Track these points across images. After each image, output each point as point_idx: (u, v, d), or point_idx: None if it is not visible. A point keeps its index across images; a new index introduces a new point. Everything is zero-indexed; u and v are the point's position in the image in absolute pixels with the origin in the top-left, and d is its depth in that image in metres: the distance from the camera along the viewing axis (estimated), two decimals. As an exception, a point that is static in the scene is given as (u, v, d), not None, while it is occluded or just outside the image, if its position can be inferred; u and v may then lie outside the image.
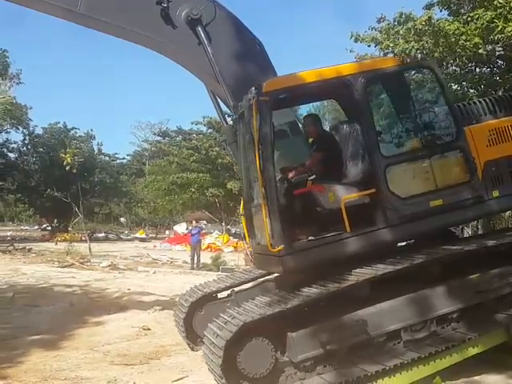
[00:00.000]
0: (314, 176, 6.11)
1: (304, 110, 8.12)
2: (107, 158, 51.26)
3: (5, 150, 40.72)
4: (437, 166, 5.96)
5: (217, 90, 6.94)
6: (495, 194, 6.12)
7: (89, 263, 19.87)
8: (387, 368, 5.03)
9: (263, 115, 5.69)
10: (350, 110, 6.82)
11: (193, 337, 6.80)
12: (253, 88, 5.79)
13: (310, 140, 6.89)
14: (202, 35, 6.63)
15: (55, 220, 40.03)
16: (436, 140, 6.22)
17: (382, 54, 16.70)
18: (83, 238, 29.48)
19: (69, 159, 24.66)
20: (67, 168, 24.72)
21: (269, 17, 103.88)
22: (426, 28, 11.50)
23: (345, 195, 5.74)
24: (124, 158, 61.33)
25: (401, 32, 14.10)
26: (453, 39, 11.79)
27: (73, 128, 43.91)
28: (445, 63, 15.74)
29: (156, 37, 6.83)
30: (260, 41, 7.06)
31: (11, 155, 41.66)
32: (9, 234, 42.89)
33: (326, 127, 7.41)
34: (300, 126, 7.36)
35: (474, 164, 6.06)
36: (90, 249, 22.69)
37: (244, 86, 6.11)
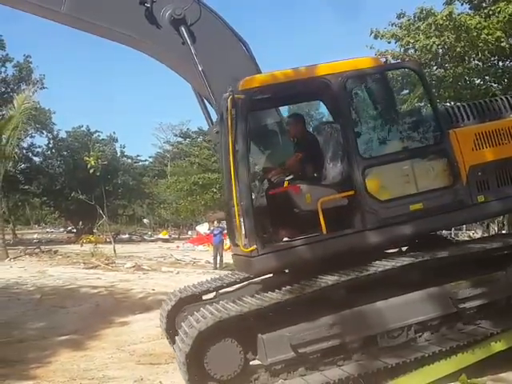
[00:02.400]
0: (291, 176, 6.04)
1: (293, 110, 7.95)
2: (129, 161, 51.88)
3: (30, 155, 41.55)
4: (418, 169, 5.80)
5: (202, 91, 6.89)
6: (480, 199, 5.91)
7: (114, 264, 20.12)
8: (408, 361, 4.99)
9: (238, 114, 5.60)
10: (332, 110, 6.70)
11: (173, 332, 6.47)
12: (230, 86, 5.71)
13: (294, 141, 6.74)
14: (186, 35, 6.58)
15: (80, 222, 40.64)
16: (418, 142, 6.09)
17: (402, 51, 16.64)
18: (107, 240, 29.88)
19: (93, 162, 24.99)
20: (91, 171, 25.08)
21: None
22: (447, 23, 11.40)
23: (321, 196, 5.62)
24: (146, 160, 61.94)
25: (421, 28, 13.99)
26: (474, 33, 11.65)
27: (96, 131, 44.66)
28: (467, 58, 15.56)
29: (140, 37, 6.81)
30: (246, 42, 7.00)
31: (36, 159, 42.55)
32: (35, 236, 43.76)
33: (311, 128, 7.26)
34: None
35: (458, 168, 5.85)
36: (114, 250, 22.96)
37: (228, 87, 6.02)
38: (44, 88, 38.11)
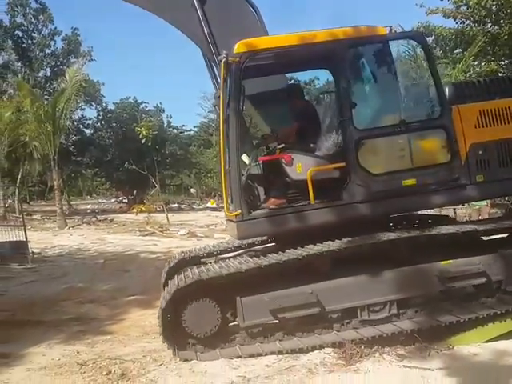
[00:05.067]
0: (282, 145, 5.97)
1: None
2: (175, 131, 52.47)
3: (81, 127, 42.52)
4: (414, 144, 5.63)
5: (209, 55, 6.80)
6: (479, 178, 5.71)
7: (168, 231, 20.72)
8: (480, 317, 5.12)
9: (231, 77, 5.50)
10: (334, 79, 6.48)
11: None
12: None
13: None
14: None
15: (135, 192, 41.65)
16: (416, 116, 5.86)
17: (454, 8, 15.95)
18: (158, 209, 30.62)
19: (144, 132, 25.42)
20: (143, 141, 25.59)
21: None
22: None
23: (312, 166, 5.56)
24: (191, 130, 62.45)
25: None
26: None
27: (142, 102, 45.18)
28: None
29: None
30: (257, 7, 6.87)
31: (87, 131, 43.49)
32: (88, 207, 45.32)
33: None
34: None
35: (457, 145, 5.64)
36: (167, 218, 23.59)
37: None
38: (92, 60, 38.96)
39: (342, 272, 5.33)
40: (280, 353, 5.05)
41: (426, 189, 5.62)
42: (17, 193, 30.68)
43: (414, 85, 6.35)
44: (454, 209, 14.36)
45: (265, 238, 6.86)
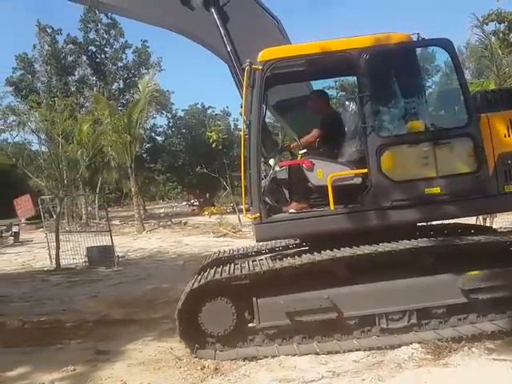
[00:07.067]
0: (304, 150, 5.97)
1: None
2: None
3: (153, 135, 44.08)
4: (439, 152, 5.47)
5: (235, 71, 6.79)
6: (508, 189, 5.50)
7: (241, 232, 21.12)
8: None
9: (255, 84, 5.57)
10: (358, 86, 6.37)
11: None
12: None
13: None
14: (216, 16, 6.59)
15: (207, 194, 42.69)
16: (442, 124, 5.72)
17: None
18: (228, 211, 31.22)
19: (214, 136, 26.20)
20: (213, 145, 26.31)
21: None
22: None
23: (333, 172, 5.53)
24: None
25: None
26: None
27: (209, 107, 46.12)
28: None
29: (175, 19, 6.94)
30: (278, 19, 6.85)
31: (158, 138, 44.99)
32: (161, 211, 46.80)
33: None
34: None
35: (485, 154, 5.43)
36: (239, 219, 24.01)
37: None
38: (162, 70, 40.34)
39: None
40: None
41: (450, 198, 5.52)
42: (96, 200, 32.39)
43: (441, 92, 6.24)
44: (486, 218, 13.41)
45: (297, 240, 6.96)
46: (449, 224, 6.96)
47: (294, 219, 5.68)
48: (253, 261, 6.08)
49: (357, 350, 5.09)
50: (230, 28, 6.63)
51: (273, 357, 5.17)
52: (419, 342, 5.05)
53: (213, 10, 6.65)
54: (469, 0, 56.96)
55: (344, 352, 5.11)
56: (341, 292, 5.28)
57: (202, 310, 5.36)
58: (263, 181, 5.85)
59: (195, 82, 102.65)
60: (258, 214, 5.60)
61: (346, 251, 5.28)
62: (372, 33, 5.82)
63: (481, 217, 11.14)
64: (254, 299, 5.32)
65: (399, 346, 5.08)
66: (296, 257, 5.50)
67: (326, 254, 5.31)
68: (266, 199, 5.81)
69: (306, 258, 5.33)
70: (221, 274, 5.43)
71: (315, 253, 5.42)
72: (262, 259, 6.21)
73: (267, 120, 7.58)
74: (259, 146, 5.68)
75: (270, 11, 6.91)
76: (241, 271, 5.42)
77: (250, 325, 5.52)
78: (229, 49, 6.59)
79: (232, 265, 5.83)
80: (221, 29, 6.63)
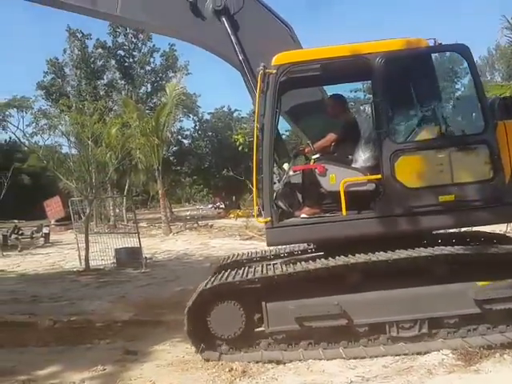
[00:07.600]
0: (317, 155, 5.92)
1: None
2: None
3: (179, 138, 44.46)
4: (454, 159, 5.36)
5: (247, 79, 6.70)
6: None
7: (266, 235, 21.08)
8: None
9: (268, 88, 5.54)
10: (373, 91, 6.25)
11: None
12: None
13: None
14: (227, 25, 6.55)
15: (233, 197, 42.88)
16: (457, 131, 5.61)
17: None
18: (252, 214, 31.20)
19: (241, 139, 26.32)
20: (240, 148, 26.42)
21: None
22: None
23: (346, 178, 5.47)
24: (283, 134, 62.70)
25: None
26: None
27: (235, 110, 46.30)
28: None
29: (187, 30, 6.96)
30: (290, 26, 6.76)
31: (185, 141, 45.35)
32: (187, 213, 47.21)
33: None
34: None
35: (501, 162, 5.29)
36: (265, 222, 24.02)
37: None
38: (189, 74, 40.69)
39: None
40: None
41: (464, 206, 5.42)
42: (124, 202, 32.84)
43: (457, 98, 6.15)
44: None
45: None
46: (464, 232, 6.94)
47: (305, 224, 5.68)
48: (262, 265, 6.08)
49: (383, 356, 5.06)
50: (241, 36, 6.65)
51: (299, 360, 5.16)
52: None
53: (224, 18, 6.66)
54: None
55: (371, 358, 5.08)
56: (354, 299, 5.27)
57: (211, 311, 5.39)
58: (276, 185, 5.86)
59: (221, 85, 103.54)
60: (269, 218, 5.62)
61: (361, 257, 5.26)
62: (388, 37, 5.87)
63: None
64: (263, 303, 5.31)
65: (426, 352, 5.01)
66: (309, 261, 5.50)
67: (340, 260, 5.30)
68: (280, 203, 5.84)
69: (317, 264, 5.33)
70: (226, 278, 5.44)
71: (323, 259, 5.43)
72: (275, 263, 6.20)
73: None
74: (272, 150, 5.68)
75: (281, 18, 6.91)
76: (247, 275, 5.46)
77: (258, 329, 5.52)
78: (241, 58, 6.59)
79: (244, 268, 5.88)
80: (232, 37, 6.64)
